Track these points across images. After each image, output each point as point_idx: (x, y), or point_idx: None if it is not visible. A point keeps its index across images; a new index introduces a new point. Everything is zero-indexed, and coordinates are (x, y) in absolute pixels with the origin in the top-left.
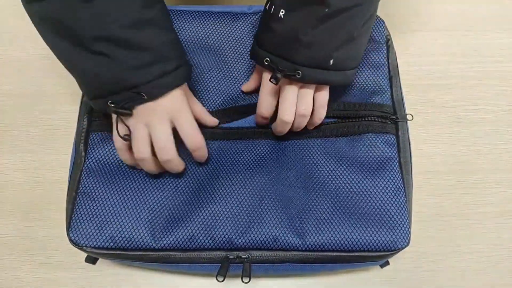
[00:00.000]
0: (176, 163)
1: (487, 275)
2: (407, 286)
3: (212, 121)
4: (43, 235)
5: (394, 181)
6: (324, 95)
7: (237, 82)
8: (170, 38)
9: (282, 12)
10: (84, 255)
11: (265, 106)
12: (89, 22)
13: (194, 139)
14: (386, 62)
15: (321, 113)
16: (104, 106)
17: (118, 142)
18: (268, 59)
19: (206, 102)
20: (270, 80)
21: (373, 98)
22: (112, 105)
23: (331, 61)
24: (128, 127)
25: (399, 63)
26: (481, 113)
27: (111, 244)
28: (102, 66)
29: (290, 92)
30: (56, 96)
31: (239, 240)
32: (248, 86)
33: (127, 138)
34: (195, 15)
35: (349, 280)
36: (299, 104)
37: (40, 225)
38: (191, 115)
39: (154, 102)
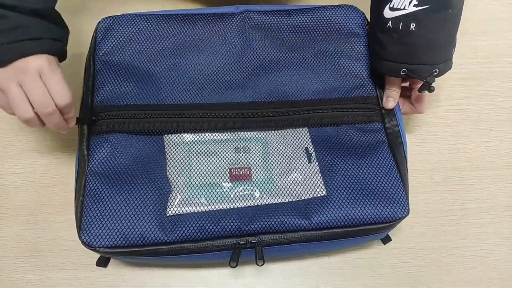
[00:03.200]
0: (58, 116)
1: (473, 269)
2: (394, 281)
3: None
4: (38, 237)
5: (385, 161)
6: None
7: (230, 80)
8: (37, 7)
9: (413, 25)
10: (93, 259)
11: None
12: None
13: (62, 92)
14: (368, 55)
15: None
16: None
17: None
18: (405, 69)
19: (199, 98)
20: (421, 92)
21: (357, 91)
22: None
23: (453, 50)
24: None
25: None
26: (465, 113)
27: (123, 242)
28: None
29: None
30: None
31: (248, 227)
32: (393, 102)
33: None
34: (187, 18)
35: (340, 275)
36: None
37: (35, 228)
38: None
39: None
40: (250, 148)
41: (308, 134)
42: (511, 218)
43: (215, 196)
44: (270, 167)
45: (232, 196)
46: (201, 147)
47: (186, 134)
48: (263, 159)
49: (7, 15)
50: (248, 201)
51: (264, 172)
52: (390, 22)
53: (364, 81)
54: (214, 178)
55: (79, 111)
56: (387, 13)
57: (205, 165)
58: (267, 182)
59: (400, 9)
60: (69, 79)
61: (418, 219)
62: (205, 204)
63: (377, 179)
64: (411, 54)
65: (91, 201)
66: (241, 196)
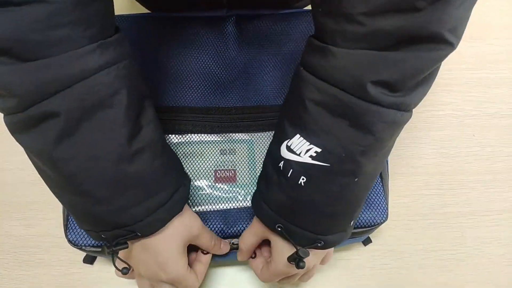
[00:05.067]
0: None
1: (450, 272)
2: (374, 282)
3: (222, 250)
4: (26, 234)
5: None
6: (329, 258)
7: (217, 83)
8: (163, 162)
9: (303, 179)
10: (80, 255)
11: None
12: (69, 165)
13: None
14: None
15: (312, 274)
16: (98, 238)
17: (120, 275)
18: (281, 225)
19: (187, 101)
20: (289, 261)
21: None
22: (105, 237)
23: (352, 222)
24: (126, 262)
25: None
26: (449, 118)
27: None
28: (89, 206)
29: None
30: None
31: (231, 229)
32: (245, 252)
33: (126, 271)
34: (176, 20)
35: (321, 276)
36: (305, 278)
37: (24, 225)
38: (186, 273)
39: (151, 241)
40: (236, 150)
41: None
42: (490, 223)
43: (200, 197)
44: (255, 169)
45: (216, 198)
46: (187, 148)
47: (172, 135)
48: (248, 161)
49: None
50: (232, 203)
51: (249, 175)
52: (282, 162)
53: None
54: (199, 179)
55: None
56: (283, 151)
57: (191, 167)
58: (252, 185)
59: (295, 154)
60: None
61: (398, 222)
62: (190, 205)
63: None
64: (293, 212)
65: None
66: (225, 198)
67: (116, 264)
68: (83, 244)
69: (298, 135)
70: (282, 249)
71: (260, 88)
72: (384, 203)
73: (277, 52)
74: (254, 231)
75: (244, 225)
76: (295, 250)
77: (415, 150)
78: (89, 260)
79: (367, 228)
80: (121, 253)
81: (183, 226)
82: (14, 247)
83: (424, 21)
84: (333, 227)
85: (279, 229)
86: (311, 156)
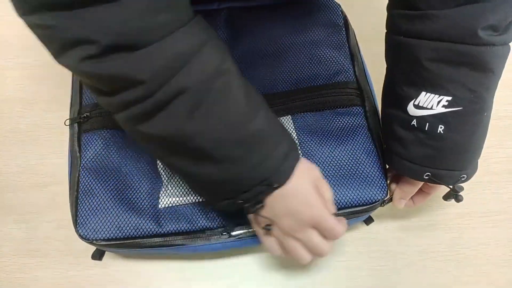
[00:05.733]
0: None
1: (448, 273)
2: (373, 283)
3: (334, 208)
4: (26, 236)
5: (364, 144)
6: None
7: None
8: (272, 115)
9: (441, 127)
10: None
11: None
12: (205, 134)
13: (338, 234)
14: (346, 43)
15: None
16: (232, 206)
17: (262, 236)
18: (429, 174)
19: None
20: (446, 200)
21: (337, 77)
22: (241, 201)
23: (481, 150)
24: (267, 217)
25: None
26: None
27: (119, 234)
28: (228, 172)
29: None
30: (38, 102)
31: (236, 219)
32: (403, 203)
33: (269, 227)
34: None
35: (318, 277)
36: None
37: (23, 227)
38: (326, 210)
39: (284, 186)
40: None
41: (291, 121)
42: (487, 224)
43: None
44: None
45: None
46: None
47: None
48: None
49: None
50: None
51: None
52: (415, 120)
53: (344, 67)
54: None
55: (69, 109)
56: (412, 110)
57: None
58: None
59: (426, 108)
60: (57, 79)
61: (396, 223)
62: (195, 195)
63: (356, 162)
64: (438, 158)
65: (86, 196)
66: None
67: (256, 224)
68: (94, 238)
69: (424, 93)
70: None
71: (254, 79)
72: (383, 179)
73: (269, 42)
74: (403, 189)
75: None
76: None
77: None
78: (98, 255)
79: (367, 206)
80: (252, 218)
81: (307, 167)
82: (14, 250)
83: None
84: (472, 161)
85: (427, 177)
86: (443, 106)
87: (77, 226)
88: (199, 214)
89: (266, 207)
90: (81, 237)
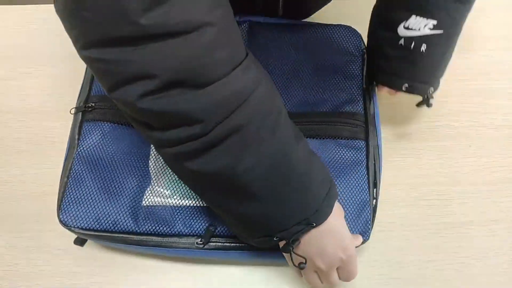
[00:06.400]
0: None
1: (448, 282)
2: None
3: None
4: (27, 245)
5: (360, 181)
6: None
7: None
8: (314, 154)
9: (424, 47)
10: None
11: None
12: (253, 172)
13: (352, 277)
14: (361, 74)
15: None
16: (268, 243)
17: (297, 271)
18: (406, 85)
19: None
20: (419, 106)
21: (346, 107)
22: (277, 239)
23: (444, 70)
24: (302, 256)
25: None
26: (445, 129)
27: (97, 226)
28: (272, 210)
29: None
30: (41, 112)
31: (214, 230)
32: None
33: (303, 266)
34: None
35: None
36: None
37: (24, 237)
38: (351, 243)
39: (322, 225)
40: None
41: None
42: (487, 233)
43: (190, 192)
44: None
45: None
46: None
47: None
48: None
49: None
50: None
51: None
52: (402, 40)
53: (354, 97)
54: None
55: (77, 98)
56: (401, 31)
57: None
58: None
59: (414, 30)
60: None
61: (396, 232)
62: (179, 199)
63: (348, 198)
64: (416, 73)
65: (74, 183)
66: None
67: (293, 261)
68: (72, 226)
69: (414, 16)
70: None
71: None
72: (369, 223)
73: (286, 61)
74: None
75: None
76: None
77: (412, 160)
78: (79, 242)
79: None
80: (287, 256)
81: (338, 205)
82: (15, 259)
83: None
84: (438, 76)
85: (405, 88)
86: (429, 28)
87: (60, 211)
88: (178, 218)
89: (301, 245)
90: (61, 222)
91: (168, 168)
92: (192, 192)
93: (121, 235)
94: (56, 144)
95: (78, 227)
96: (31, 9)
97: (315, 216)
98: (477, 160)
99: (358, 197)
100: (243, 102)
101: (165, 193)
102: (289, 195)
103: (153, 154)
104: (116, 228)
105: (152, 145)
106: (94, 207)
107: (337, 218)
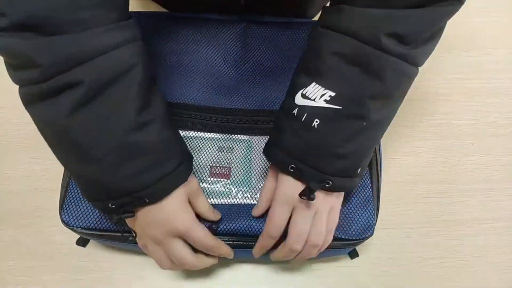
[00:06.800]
0: (203, 263)
1: (449, 279)
2: None
3: (215, 217)
4: (31, 240)
5: (362, 178)
6: (335, 219)
7: (224, 84)
8: (169, 135)
9: (317, 122)
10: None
11: (277, 221)
12: (83, 132)
13: (207, 246)
14: None
15: (329, 239)
16: (105, 208)
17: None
18: (294, 166)
19: (193, 99)
20: (302, 197)
21: None
22: (113, 207)
23: (359, 170)
24: (133, 230)
25: None
26: (447, 127)
27: (98, 225)
28: (98, 174)
29: (304, 216)
30: None
31: (219, 226)
32: (263, 201)
33: (133, 239)
34: (191, 21)
35: (321, 283)
36: (312, 232)
37: (29, 232)
38: (195, 223)
39: (157, 204)
40: (234, 148)
41: None
42: (488, 231)
43: None
44: (250, 170)
45: (208, 191)
46: (186, 142)
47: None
48: (244, 160)
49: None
50: (224, 199)
51: (243, 173)
52: (296, 109)
53: None
54: (194, 172)
55: None
56: (298, 99)
57: None
58: (245, 183)
59: (310, 99)
60: None
61: (397, 230)
62: None
63: (351, 195)
64: (305, 152)
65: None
66: (217, 192)
67: (124, 234)
68: (74, 225)
69: (314, 83)
70: (294, 186)
71: (265, 92)
72: (373, 218)
73: (285, 59)
74: (269, 178)
75: (231, 224)
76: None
77: (414, 158)
78: (82, 242)
79: (351, 241)
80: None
81: (184, 189)
82: (19, 254)
83: None
84: (342, 170)
85: (292, 170)
86: (325, 100)
87: (62, 211)
88: None
89: (131, 220)
90: (63, 222)
91: None
92: None
93: (122, 234)
94: None
95: (80, 227)
96: None
97: (146, 193)
98: (479, 159)
99: (361, 194)
100: (87, 60)
101: None
102: (116, 165)
103: None
104: (116, 228)
105: None
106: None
107: (177, 199)
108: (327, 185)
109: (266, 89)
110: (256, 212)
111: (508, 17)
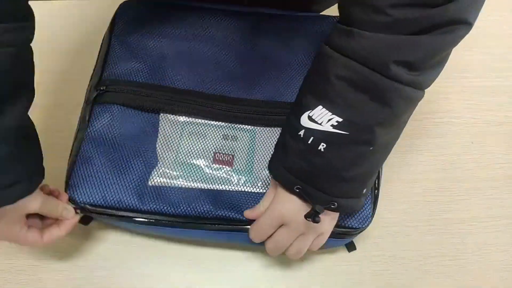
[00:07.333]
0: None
1: (450, 277)
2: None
3: (69, 215)
4: None
5: None
6: (318, 244)
7: (231, 73)
8: (7, 151)
9: (323, 146)
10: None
11: (262, 233)
12: None
13: (40, 245)
14: None
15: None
16: None
17: None
18: (299, 187)
19: (199, 86)
20: (307, 219)
21: None
22: None
23: (365, 190)
24: None
25: None
26: (447, 125)
27: (102, 202)
28: None
29: (289, 235)
30: (40, 106)
31: (217, 212)
32: (261, 207)
33: None
34: (199, 10)
35: (321, 282)
36: (292, 248)
37: None
38: (21, 233)
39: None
40: (238, 137)
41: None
42: (489, 229)
43: (196, 174)
44: (253, 158)
45: (211, 177)
46: (193, 128)
47: (181, 116)
48: (248, 149)
49: None
50: (225, 185)
51: (246, 162)
52: (303, 131)
53: None
54: (198, 158)
55: (89, 80)
56: (304, 120)
57: (193, 145)
58: (247, 172)
59: (317, 123)
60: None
61: (398, 228)
62: (185, 180)
63: None
64: (311, 175)
65: (83, 162)
66: (219, 179)
67: None
68: (79, 201)
69: (320, 107)
70: (300, 208)
71: (271, 84)
72: (369, 209)
73: (291, 51)
74: (271, 189)
75: (230, 212)
76: (310, 209)
77: (414, 157)
78: (84, 220)
79: (346, 229)
80: None
81: (13, 210)
82: (20, 252)
83: (445, 11)
84: (347, 192)
85: (297, 190)
86: (332, 125)
87: (68, 187)
88: (182, 200)
89: None
90: (70, 198)
91: (176, 149)
92: (199, 174)
93: (126, 212)
94: (59, 139)
95: (84, 203)
96: (33, 5)
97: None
98: (479, 157)
99: None
100: None
101: (171, 174)
102: None
103: (161, 135)
104: (120, 205)
105: (160, 126)
106: (101, 184)
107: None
108: (332, 206)
109: (272, 80)
110: (250, 214)
111: (510, 15)
